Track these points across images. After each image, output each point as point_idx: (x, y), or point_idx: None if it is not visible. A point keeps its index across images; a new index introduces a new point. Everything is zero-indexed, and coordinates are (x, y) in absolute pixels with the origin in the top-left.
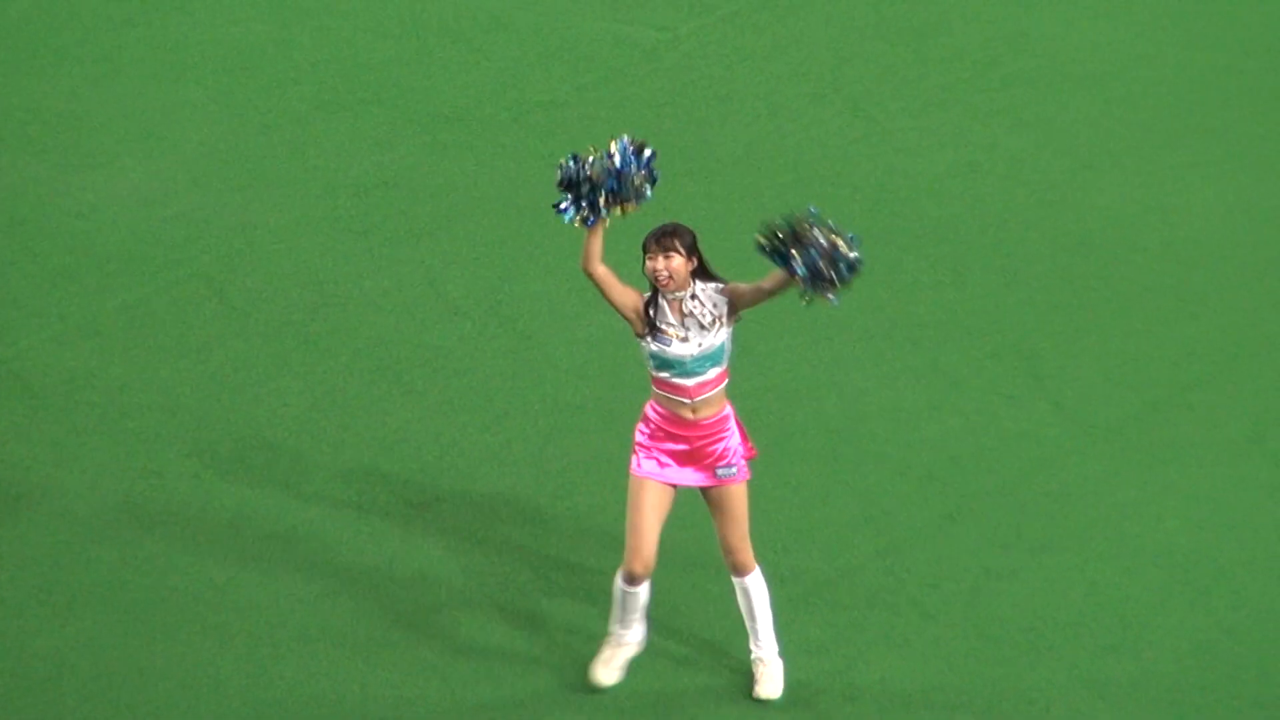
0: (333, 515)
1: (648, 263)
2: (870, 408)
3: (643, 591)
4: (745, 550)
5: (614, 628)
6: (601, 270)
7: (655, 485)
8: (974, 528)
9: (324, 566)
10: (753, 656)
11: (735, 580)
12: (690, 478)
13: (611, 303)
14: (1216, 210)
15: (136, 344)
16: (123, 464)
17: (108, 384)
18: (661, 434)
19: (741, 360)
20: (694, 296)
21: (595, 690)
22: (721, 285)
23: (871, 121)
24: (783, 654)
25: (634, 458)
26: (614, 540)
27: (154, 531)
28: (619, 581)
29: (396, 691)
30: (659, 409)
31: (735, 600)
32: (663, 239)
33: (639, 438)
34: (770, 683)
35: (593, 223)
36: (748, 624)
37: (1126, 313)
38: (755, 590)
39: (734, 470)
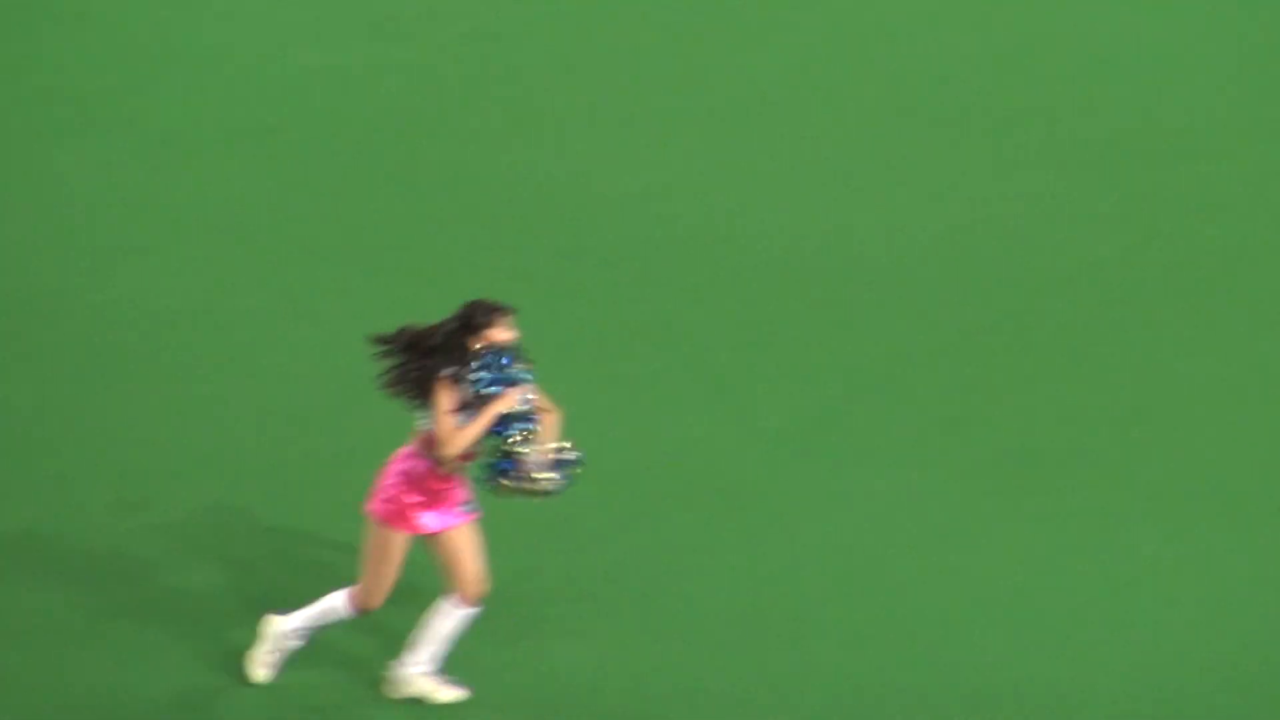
0: (43, 516)
1: (503, 331)
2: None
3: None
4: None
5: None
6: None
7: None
8: (655, 527)
9: (34, 565)
10: (415, 671)
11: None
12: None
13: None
14: (882, 233)
15: None
16: None
17: None
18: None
19: None
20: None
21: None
22: None
23: (571, 146)
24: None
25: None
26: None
27: None
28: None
29: (110, 678)
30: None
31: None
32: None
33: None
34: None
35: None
36: (431, 645)
37: (800, 327)
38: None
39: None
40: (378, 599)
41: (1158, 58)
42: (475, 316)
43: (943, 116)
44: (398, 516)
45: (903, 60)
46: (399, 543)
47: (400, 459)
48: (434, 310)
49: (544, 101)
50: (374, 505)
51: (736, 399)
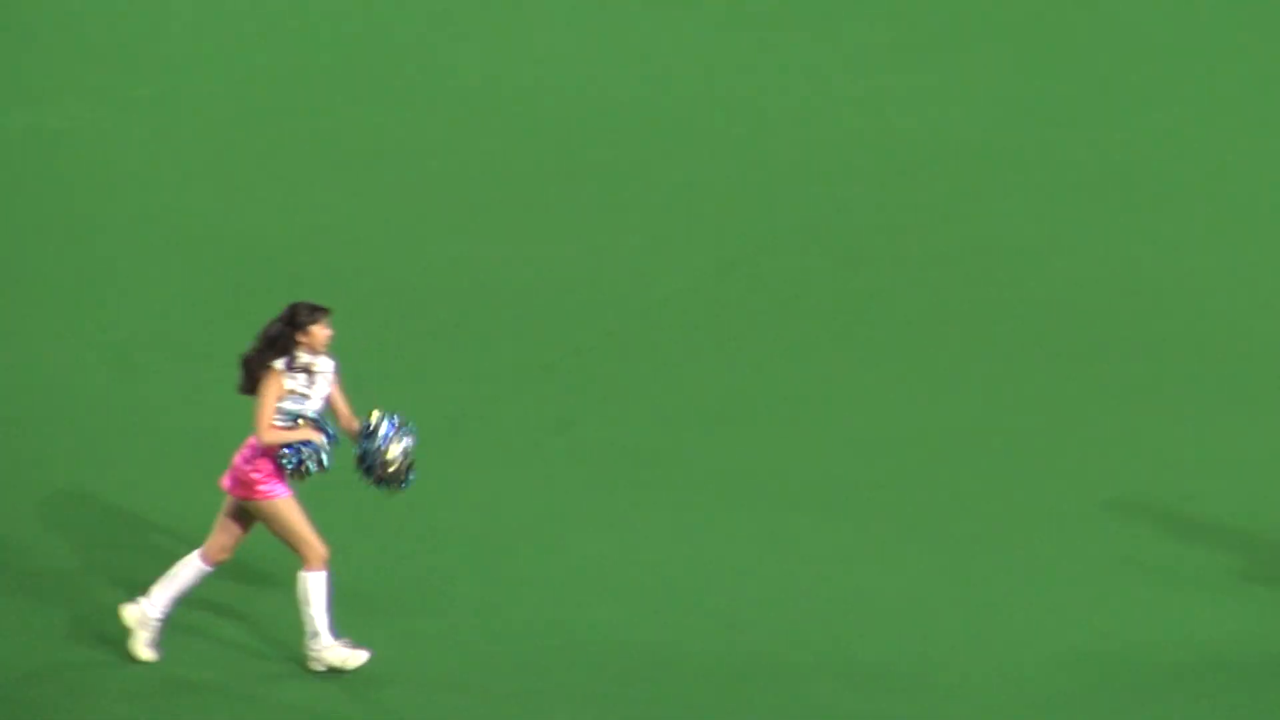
0: None
1: (328, 330)
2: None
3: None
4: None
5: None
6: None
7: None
8: (314, 512)
9: None
10: (153, 615)
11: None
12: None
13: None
14: (506, 264)
15: None
16: None
17: None
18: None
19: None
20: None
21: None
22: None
23: (241, 194)
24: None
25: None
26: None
27: None
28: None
29: None
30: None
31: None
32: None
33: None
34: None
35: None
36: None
37: (433, 344)
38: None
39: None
40: (318, 549)
41: (731, 115)
42: (299, 316)
43: (557, 168)
44: (257, 489)
45: (525, 120)
46: (282, 507)
47: (251, 444)
48: (141, 335)
49: (222, 153)
50: (237, 488)
51: (383, 406)
